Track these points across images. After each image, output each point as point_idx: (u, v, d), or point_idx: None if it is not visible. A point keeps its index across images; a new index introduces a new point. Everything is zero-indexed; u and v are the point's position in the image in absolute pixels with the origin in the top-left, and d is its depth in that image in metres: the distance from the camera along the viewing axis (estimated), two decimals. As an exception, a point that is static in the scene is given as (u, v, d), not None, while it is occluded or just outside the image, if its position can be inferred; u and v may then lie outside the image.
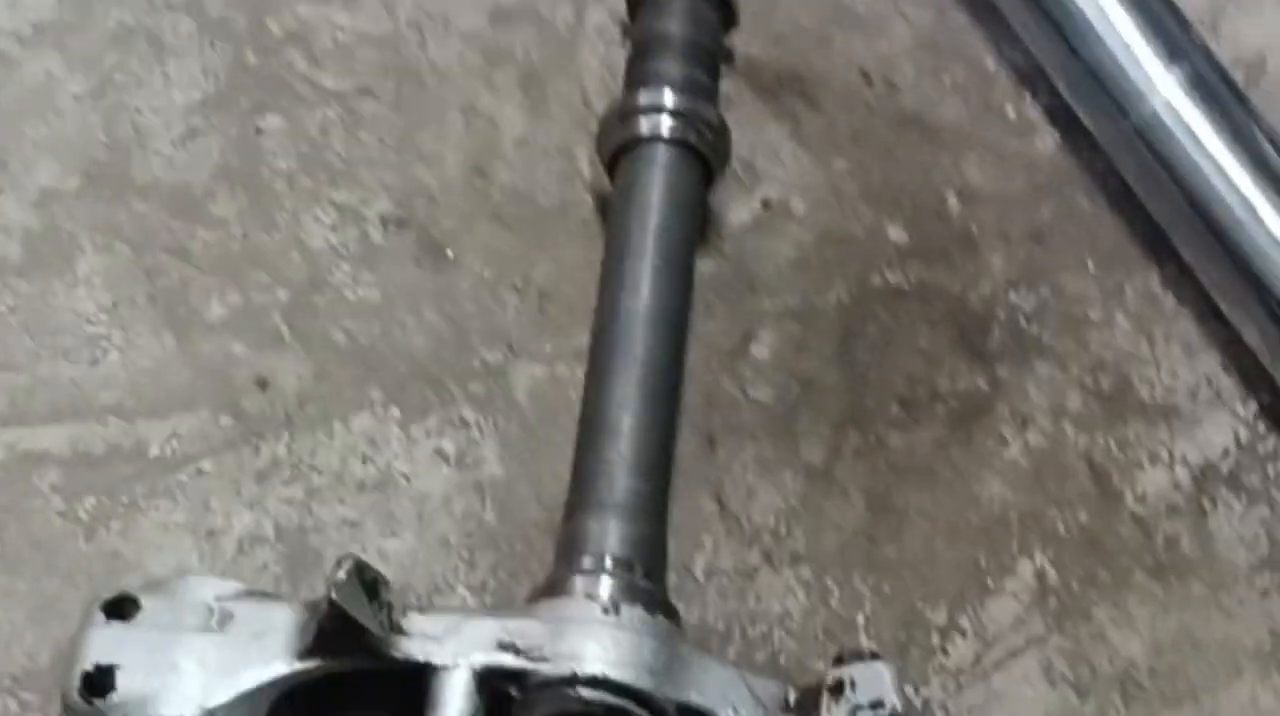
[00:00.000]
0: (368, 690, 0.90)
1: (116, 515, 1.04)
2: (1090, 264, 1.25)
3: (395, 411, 1.11)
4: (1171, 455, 1.18)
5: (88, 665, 0.88)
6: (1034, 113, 1.31)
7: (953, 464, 1.15)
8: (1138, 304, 1.24)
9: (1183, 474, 1.18)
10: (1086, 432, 1.18)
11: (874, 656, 0.90)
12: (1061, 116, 1.31)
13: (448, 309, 1.15)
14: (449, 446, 1.10)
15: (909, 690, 1.06)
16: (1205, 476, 1.18)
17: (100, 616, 0.90)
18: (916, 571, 1.11)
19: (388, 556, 1.05)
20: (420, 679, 0.88)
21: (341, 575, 0.85)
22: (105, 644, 0.89)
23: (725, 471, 1.12)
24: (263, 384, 1.10)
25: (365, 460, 1.09)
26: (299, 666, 0.88)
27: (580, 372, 1.10)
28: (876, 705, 0.87)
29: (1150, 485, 1.17)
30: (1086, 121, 1.28)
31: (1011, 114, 1.31)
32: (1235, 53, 1.31)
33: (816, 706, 0.89)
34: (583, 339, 1.12)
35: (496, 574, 1.06)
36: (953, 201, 1.26)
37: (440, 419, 1.11)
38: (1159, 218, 1.24)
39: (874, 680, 0.88)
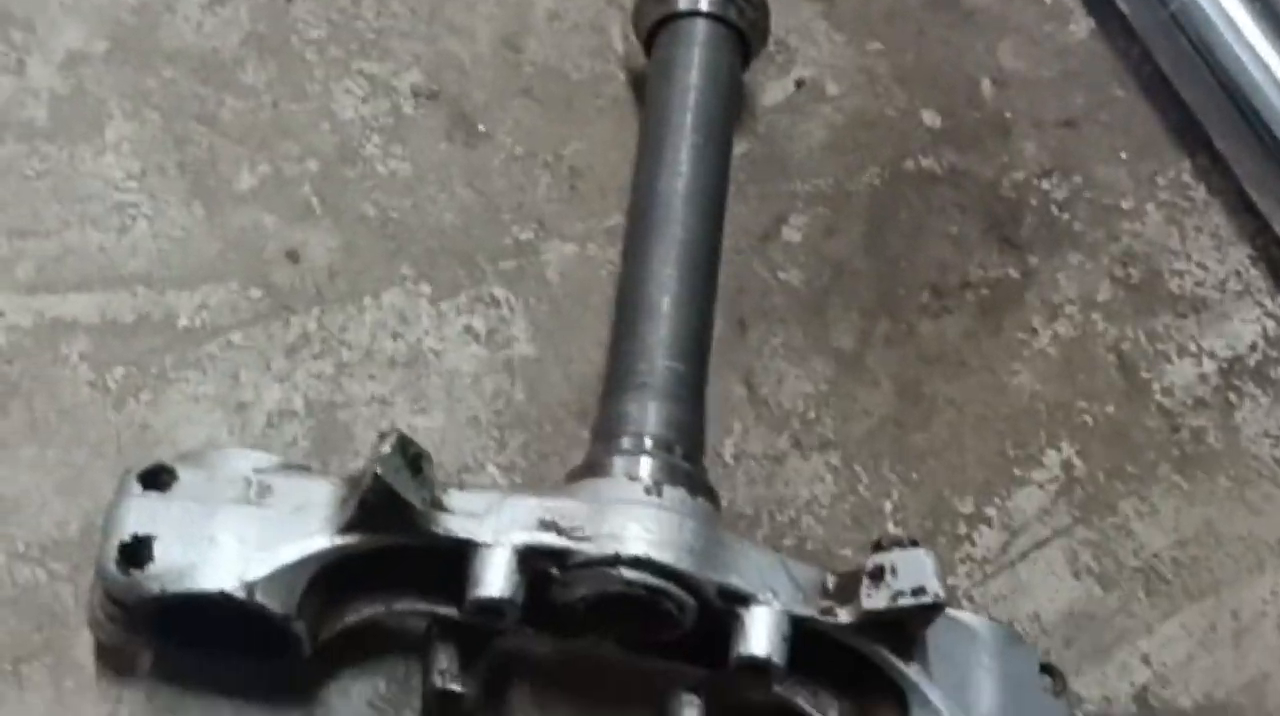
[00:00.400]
0: (407, 565, 0.90)
1: (145, 385, 1.03)
2: (1123, 153, 1.24)
3: (425, 287, 1.09)
4: (1199, 348, 1.18)
5: (125, 535, 0.87)
6: (1068, -4, 1.30)
7: (982, 353, 1.14)
8: (1169, 194, 1.24)
9: (1210, 367, 1.17)
10: (1115, 324, 1.17)
11: (914, 543, 0.90)
12: (1096, 2, 1.29)
13: (479, 184, 1.14)
14: (479, 324, 1.09)
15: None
16: (1232, 370, 1.18)
17: (137, 486, 0.89)
18: (944, 460, 1.11)
19: (417, 433, 1.04)
20: (460, 556, 0.88)
21: (386, 448, 0.85)
22: (142, 514, 0.88)
23: (755, 355, 1.12)
24: (293, 256, 1.09)
25: (395, 336, 1.08)
26: (339, 541, 0.87)
27: (612, 252, 1.09)
28: (918, 591, 0.86)
29: (1177, 378, 1.17)
30: (1123, 6, 1.26)
31: (1048, -1, 1.30)
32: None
33: (855, 592, 0.88)
34: (615, 218, 1.11)
35: (526, 453, 1.06)
36: (986, 86, 1.25)
37: (470, 296, 1.10)
38: (1193, 106, 1.23)
39: (915, 567, 0.87)
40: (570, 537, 0.88)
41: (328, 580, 0.89)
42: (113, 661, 0.95)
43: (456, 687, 0.92)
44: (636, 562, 0.86)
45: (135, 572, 0.86)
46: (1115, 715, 1.05)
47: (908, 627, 0.90)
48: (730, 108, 1.11)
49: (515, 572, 0.87)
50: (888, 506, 1.09)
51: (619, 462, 0.93)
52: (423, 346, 1.08)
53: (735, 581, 0.89)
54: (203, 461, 0.91)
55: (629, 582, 0.87)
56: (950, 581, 1.07)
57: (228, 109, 1.13)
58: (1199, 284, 1.20)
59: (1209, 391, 1.16)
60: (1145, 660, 1.07)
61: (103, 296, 1.05)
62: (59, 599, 0.97)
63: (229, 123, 1.12)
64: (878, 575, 0.88)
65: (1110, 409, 1.14)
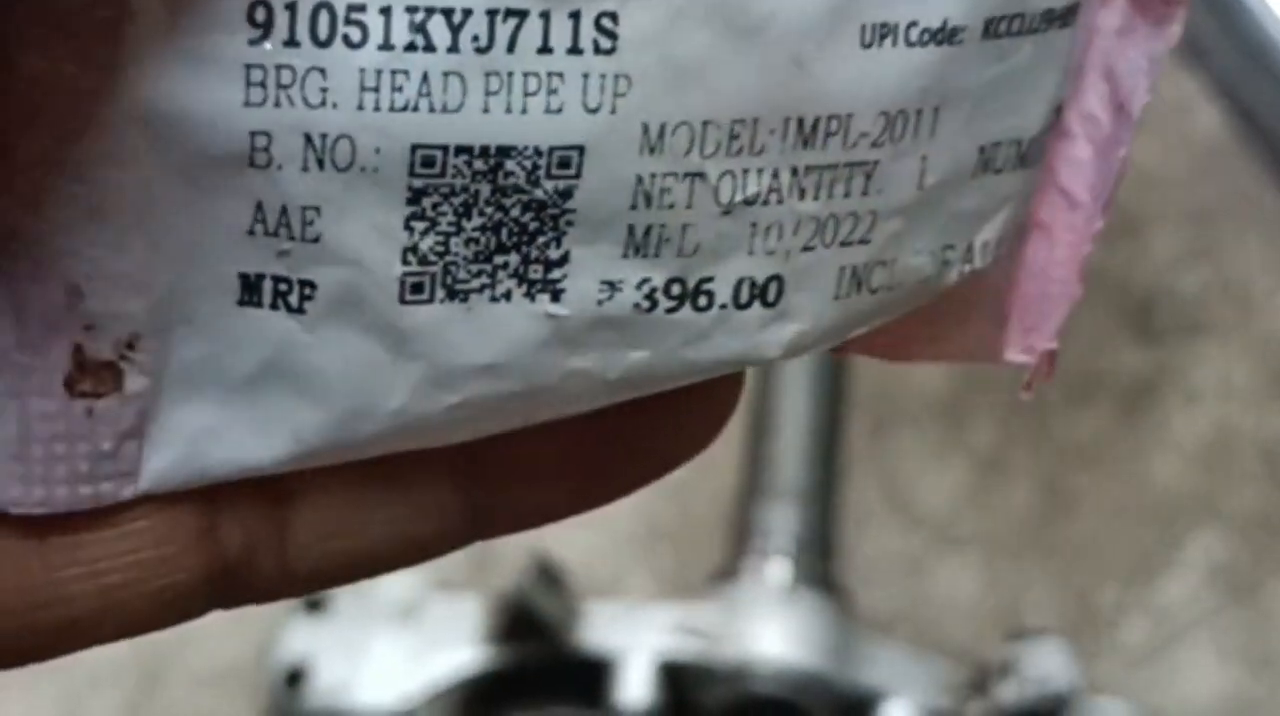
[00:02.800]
0: (557, 677, 0.94)
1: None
2: (1255, 239, 1.25)
3: (570, 407, 1.14)
4: (1341, 433, 1.18)
5: (288, 657, 0.93)
6: (1192, 89, 1.31)
7: (1120, 446, 1.16)
8: (1305, 278, 1.24)
9: (1353, 451, 1.18)
10: (1254, 411, 1.18)
11: (1044, 634, 0.92)
12: (1220, 92, 1.30)
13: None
14: (623, 440, 1.13)
15: (1079, 669, 1.07)
16: (1377, 453, 1.18)
17: (300, 610, 0.95)
18: (1086, 552, 1.12)
19: (567, 548, 1.09)
20: (600, 667, 0.92)
21: (527, 570, 0.89)
22: (303, 636, 0.93)
23: (892, 456, 1.15)
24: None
25: (543, 455, 1.12)
26: (487, 657, 0.92)
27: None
28: (1046, 681, 0.88)
29: (1320, 462, 1.17)
30: (1246, 96, 1.28)
31: (1169, 91, 1.31)
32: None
33: (987, 686, 0.90)
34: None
35: (672, 564, 1.09)
36: (1114, 183, 1.26)
37: (614, 413, 1.14)
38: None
39: (1046, 658, 0.89)
40: (707, 642, 0.91)
41: (482, 693, 0.94)
42: (284, 778, 1.01)
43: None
44: (770, 665, 0.90)
45: (299, 692, 0.92)
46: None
47: (1040, 718, 0.91)
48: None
49: (654, 680, 0.91)
50: (1030, 601, 1.10)
51: (753, 565, 0.96)
52: (570, 464, 1.12)
53: (870, 679, 0.91)
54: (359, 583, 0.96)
55: (764, 685, 0.90)
56: (1095, 671, 1.08)
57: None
58: (1339, 367, 1.21)
59: (1354, 474, 1.16)
60: (1299, 746, 1.07)
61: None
62: (238, 720, 1.03)
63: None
64: (1008, 668, 0.90)
65: (1252, 495, 1.15)
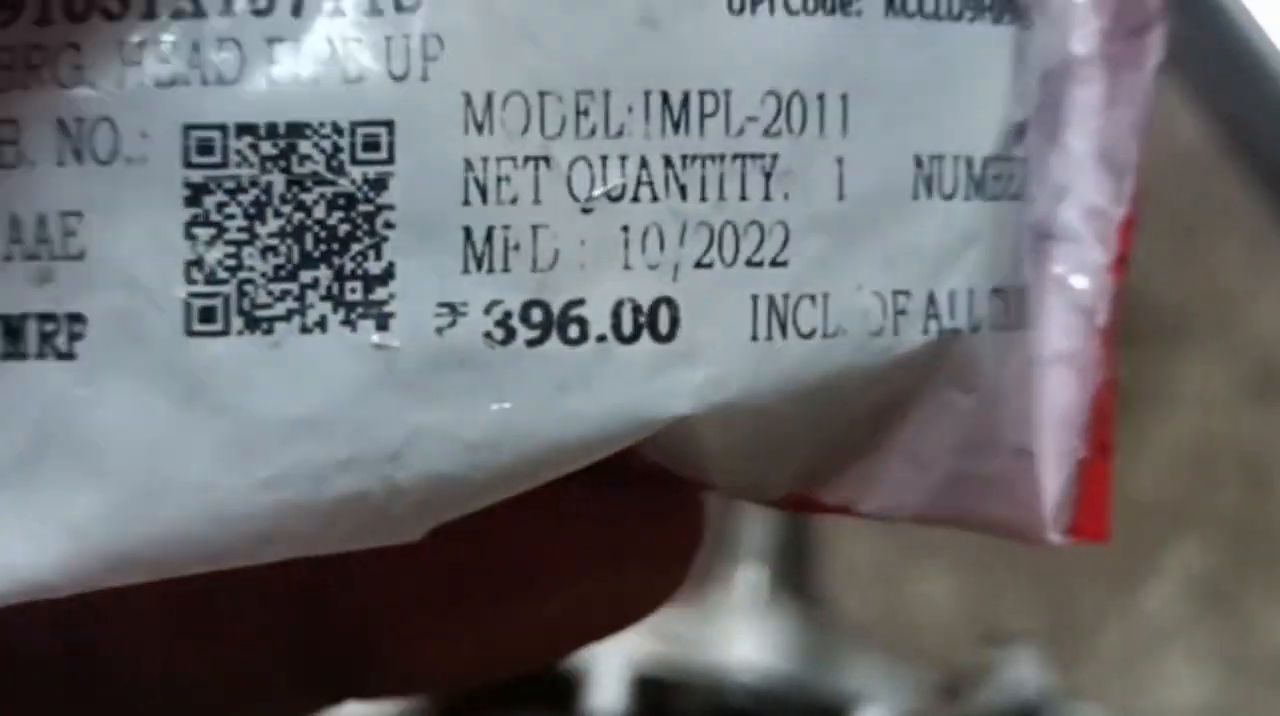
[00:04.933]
0: (522, 687, 0.93)
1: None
2: (1238, 245, 1.25)
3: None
4: (1323, 439, 1.18)
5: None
6: (1172, 95, 1.31)
7: (1099, 452, 1.15)
8: (1287, 284, 1.24)
9: (1336, 457, 1.17)
10: (1236, 418, 1.18)
11: (1017, 641, 0.91)
12: (1202, 98, 1.30)
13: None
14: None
15: (1056, 676, 1.07)
16: (1358, 461, 1.17)
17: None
18: (1064, 560, 1.11)
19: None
20: (573, 674, 0.91)
21: (495, 573, 0.88)
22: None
23: (870, 464, 1.14)
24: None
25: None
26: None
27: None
28: (1018, 688, 0.88)
29: (1302, 470, 1.17)
30: (1227, 103, 1.27)
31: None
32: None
33: (961, 693, 0.90)
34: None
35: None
36: (1094, 190, 1.26)
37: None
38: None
39: (1019, 664, 0.89)
40: (679, 648, 0.90)
41: (451, 705, 0.92)
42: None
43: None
44: (745, 674, 0.89)
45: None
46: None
47: (1014, 726, 0.91)
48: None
49: (626, 688, 0.90)
50: (1007, 607, 1.10)
51: (727, 572, 0.95)
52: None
53: (845, 686, 0.91)
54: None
55: (738, 694, 0.89)
56: (1071, 680, 1.07)
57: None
58: (1321, 373, 1.20)
59: (1335, 482, 1.16)
60: (1276, 755, 1.07)
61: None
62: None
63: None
64: (981, 674, 0.90)
65: (1233, 503, 1.14)
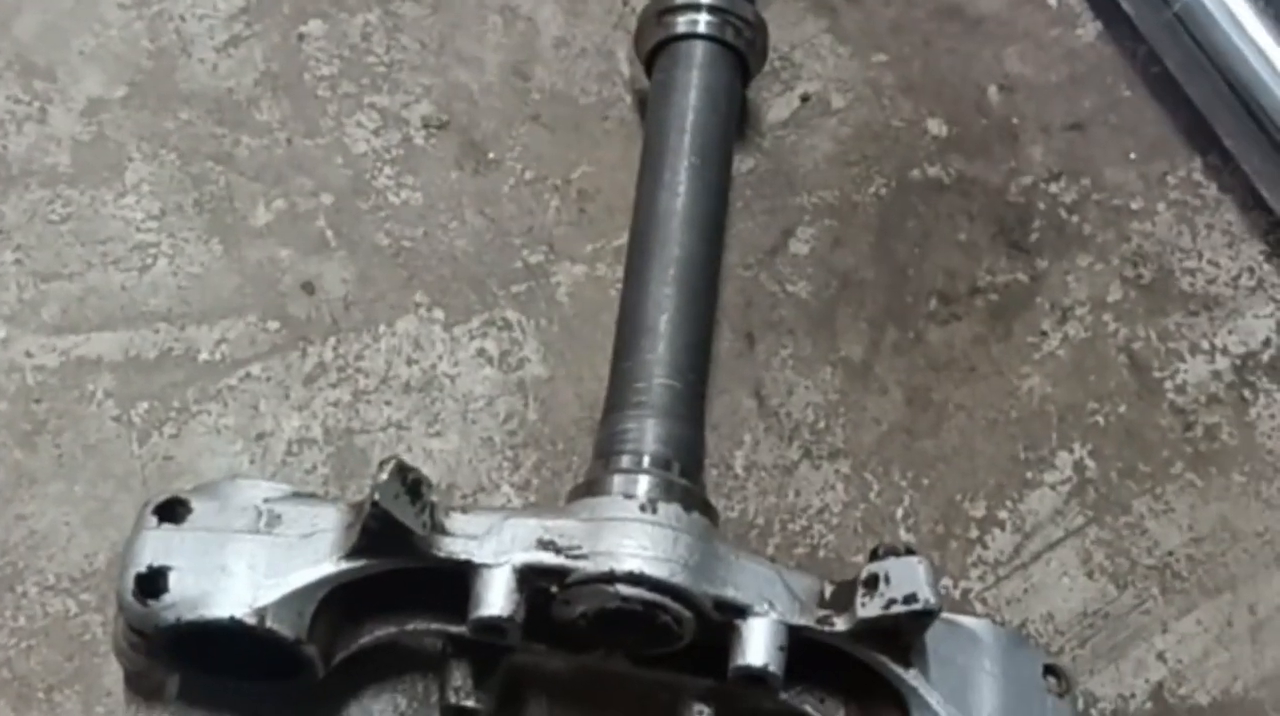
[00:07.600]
0: (416, 586, 0.92)
1: (168, 419, 1.07)
2: (1132, 154, 1.25)
3: (439, 313, 1.12)
4: (1212, 345, 1.19)
5: (141, 567, 0.90)
6: (1074, 1, 1.31)
7: (992, 358, 1.16)
8: (1180, 193, 1.24)
9: (1223, 364, 1.18)
10: (1127, 324, 1.18)
11: (909, 551, 0.91)
12: (1102, 5, 1.30)
13: (489, 211, 1.16)
14: (492, 347, 1.12)
15: (948, 582, 1.08)
16: (1246, 366, 1.18)
17: (152, 519, 0.92)
18: (955, 465, 1.12)
19: (433, 456, 1.08)
20: (463, 577, 0.90)
21: (383, 476, 0.87)
22: (157, 546, 0.91)
23: (764, 368, 1.14)
24: (309, 288, 1.12)
25: (410, 362, 1.10)
26: (345, 566, 0.90)
27: (621, 272, 1.11)
28: (910, 599, 0.88)
29: (1190, 376, 1.17)
30: (1127, 9, 1.27)
31: (1052, 2, 1.31)
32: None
33: (851, 601, 0.90)
34: (623, 238, 1.13)
35: (540, 472, 1.08)
36: (993, 93, 1.26)
37: (482, 320, 1.13)
38: (1201, 105, 1.24)
39: (908, 574, 0.89)
40: (568, 556, 0.90)
41: (340, 603, 0.92)
42: (140, 687, 0.99)
43: (471, 704, 0.95)
44: (631, 578, 0.89)
45: (152, 603, 0.90)
46: None
47: (902, 634, 0.91)
48: (729, 127, 1.13)
49: (515, 592, 0.90)
50: (899, 513, 1.10)
51: (616, 481, 0.95)
52: (437, 371, 1.10)
53: (731, 594, 0.91)
54: (215, 493, 0.94)
55: (625, 598, 0.89)
56: (963, 585, 1.08)
57: (243, 147, 1.16)
58: (1211, 281, 1.21)
59: (1222, 388, 1.17)
60: (1161, 657, 1.08)
61: (125, 334, 1.09)
62: (88, 628, 1.00)
63: (244, 160, 1.15)
64: (872, 583, 0.90)
65: (1123, 409, 1.15)
